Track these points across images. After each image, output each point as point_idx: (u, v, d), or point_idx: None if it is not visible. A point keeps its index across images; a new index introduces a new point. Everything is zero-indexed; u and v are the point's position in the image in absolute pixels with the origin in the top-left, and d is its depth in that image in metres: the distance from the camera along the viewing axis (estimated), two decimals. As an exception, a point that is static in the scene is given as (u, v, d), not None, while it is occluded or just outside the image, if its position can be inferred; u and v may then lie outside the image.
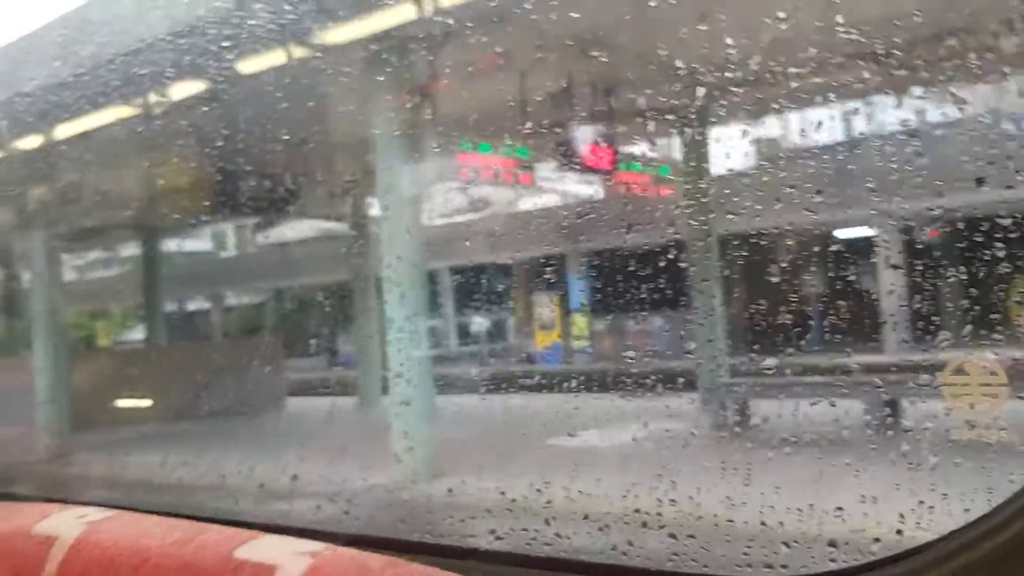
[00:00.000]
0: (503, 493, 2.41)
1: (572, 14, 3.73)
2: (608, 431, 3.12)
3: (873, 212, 2.79)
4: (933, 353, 2.06)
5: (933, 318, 2.18)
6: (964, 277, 2.04)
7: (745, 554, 1.68)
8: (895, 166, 2.31)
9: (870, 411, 2.56)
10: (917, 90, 2.61)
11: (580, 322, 6.35)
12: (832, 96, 2.72)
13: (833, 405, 2.14)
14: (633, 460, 2.68)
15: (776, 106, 3.17)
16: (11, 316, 13.30)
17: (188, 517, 1.65)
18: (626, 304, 3.48)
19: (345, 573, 1.21)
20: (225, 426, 6.76)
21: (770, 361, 2.40)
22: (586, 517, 2.16)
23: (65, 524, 1.63)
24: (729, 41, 2.49)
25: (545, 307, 7.21)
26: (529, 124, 5.63)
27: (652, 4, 2.60)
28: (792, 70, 2.69)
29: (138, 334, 14.50)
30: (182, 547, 1.37)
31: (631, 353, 3.21)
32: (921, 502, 1.66)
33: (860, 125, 2.96)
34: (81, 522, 1.61)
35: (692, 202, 3.61)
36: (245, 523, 1.55)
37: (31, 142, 8.13)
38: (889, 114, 2.56)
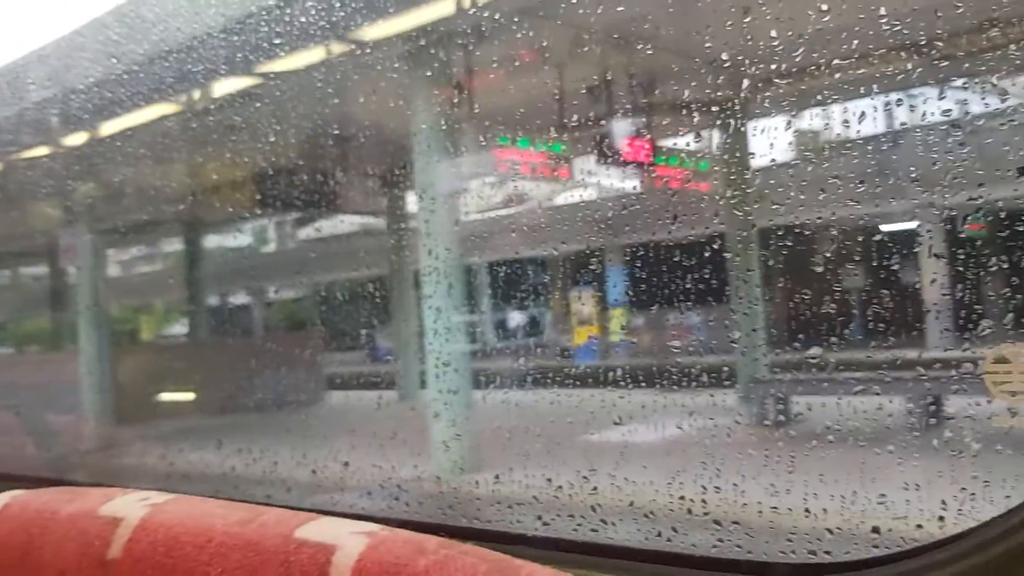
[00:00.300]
0: (549, 480, 2.45)
1: (613, 7, 3.74)
2: (650, 423, 3.14)
3: (915, 203, 2.79)
4: (975, 343, 2.06)
5: (975, 307, 2.18)
6: (1006, 267, 2.04)
7: (789, 540, 1.70)
8: (937, 157, 2.31)
9: (912, 401, 2.56)
10: (959, 80, 2.60)
11: (619, 316, 6.35)
12: (875, 87, 2.71)
13: (876, 395, 2.15)
14: (677, 450, 2.70)
15: (818, 97, 3.16)
16: (59, 311, 13.57)
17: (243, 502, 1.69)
18: (666, 298, 3.48)
19: (401, 551, 1.25)
20: (267, 419, 6.87)
21: (812, 352, 2.41)
22: (631, 504, 2.19)
23: (129, 506, 1.67)
24: (772, 33, 2.50)
25: (583, 301, 7.22)
26: (568, 118, 5.65)
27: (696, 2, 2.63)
28: (835, 61, 2.69)
29: (181, 328, 14.74)
30: (244, 526, 1.41)
31: (671, 347, 3.23)
32: (963, 489, 1.67)
33: (902, 116, 2.94)
34: (144, 504, 1.66)
35: (733, 195, 3.61)
36: (300, 508, 1.60)
37: (79, 138, 8.30)
38: (931, 105, 2.55)
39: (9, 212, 10.36)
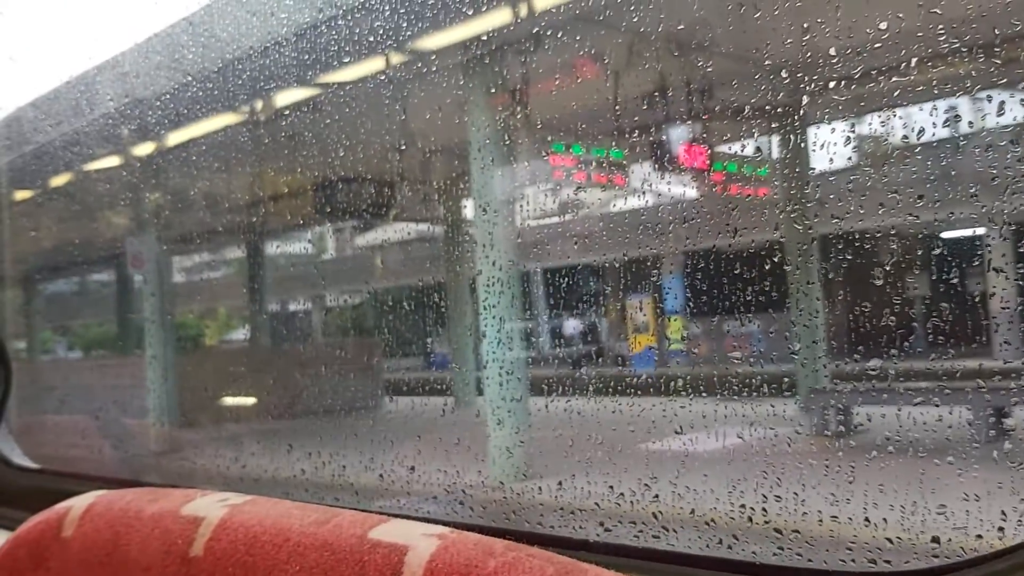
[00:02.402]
0: (611, 488, 2.48)
1: (671, 14, 3.77)
2: (710, 432, 3.16)
3: (978, 212, 2.76)
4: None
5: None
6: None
7: (849, 549, 1.71)
8: (1001, 165, 2.29)
9: (973, 412, 2.53)
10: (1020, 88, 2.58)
11: (676, 324, 6.34)
12: (937, 93, 2.70)
13: (937, 406, 2.15)
14: (737, 460, 2.71)
15: (879, 105, 3.14)
16: (126, 317, 13.93)
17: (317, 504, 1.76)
18: (724, 306, 3.49)
19: (471, 553, 1.30)
20: (325, 424, 6.98)
21: (873, 363, 2.40)
22: (692, 512, 2.21)
23: (209, 506, 1.75)
24: (834, 38, 2.51)
25: (640, 309, 7.21)
26: (624, 125, 5.67)
27: (756, 15, 2.64)
28: (896, 67, 2.68)
29: (242, 334, 15.00)
30: (320, 527, 1.48)
31: (730, 356, 3.23)
32: (1023, 500, 1.67)
33: (965, 123, 2.91)
34: (223, 505, 1.74)
35: (792, 203, 3.61)
36: (372, 511, 1.66)
37: (145, 149, 8.52)
38: (995, 111, 2.53)
39: (80, 221, 10.69)
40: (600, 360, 7.12)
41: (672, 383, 3.20)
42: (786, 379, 3.14)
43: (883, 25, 2.14)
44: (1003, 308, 2.33)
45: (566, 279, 6.08)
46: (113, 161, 8.68)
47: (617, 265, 6.04)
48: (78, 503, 1.96)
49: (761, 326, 3.57)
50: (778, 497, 2.03)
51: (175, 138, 8.24)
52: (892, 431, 2.22)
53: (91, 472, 3.40)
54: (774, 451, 2.60)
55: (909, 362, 2.61)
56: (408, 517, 1.61)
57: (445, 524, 1.48)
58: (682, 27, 3.57)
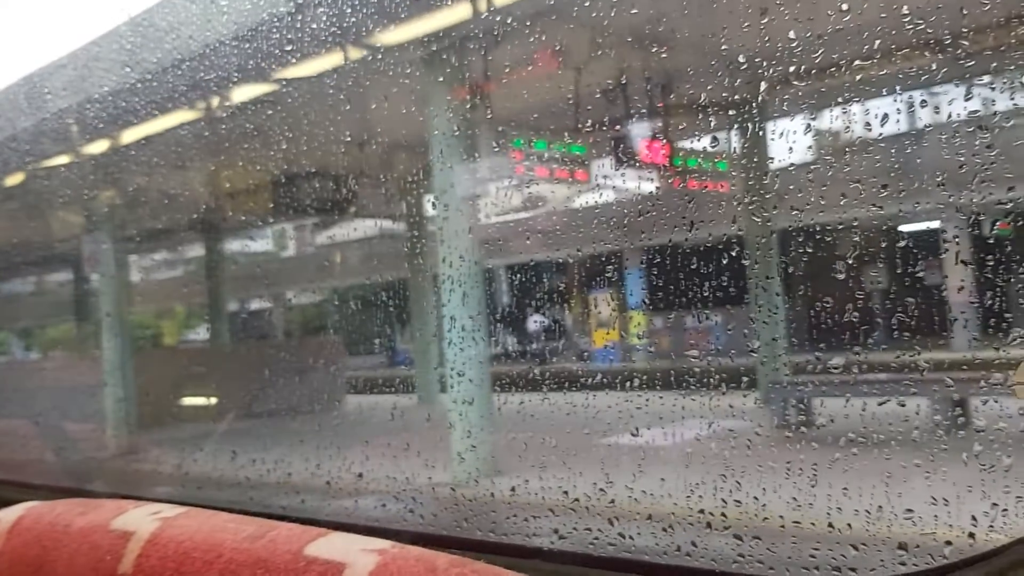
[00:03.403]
0: (566, 493, 2.42)
1: (627, 9, 3.71)
2: (669, 429, 3.11)
3: (940, 205, 2.73)
4: (1005, 351, 2.00)
5: (1005, 315, 2.13)
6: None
7: (812, 556, 1.66)
8: (963, 158, 2.26)
9: (940, 411, 2.50)
10: (985, 79, 2.55)
11: (638, 319, 6.31)
12: (897, 86, 2.66)
13: (902, 405, 2.10)
14: (696, 459, 2.66)
15: (839, 98, 3.11)
16: (82, 317, 13.70)
17: (257, 515, 1.68)
18: (685, 301, 3.45)
19: (412, 570, 1.23)
20: (287, 424, 6.88)
21: (835, 360, 2.36)
22: (650, 517, 2.16)
23: (140, 520, 1.67)
24: (791, 35, 2.47)
25: (602, 304, 7.18)
26: (585, 120, 5.62)
27: (712, 4, 2.59)
28: (856, 61, 2.64)
29: (202, 333, 14.82)
30: (254, 543, 1.40)
31: (691, 351, 3.19)
32: (994, 504, 1.62)
33: (926, 116, 2.89)
34: (155, 518, 1.66)
35: (751, 196, 3.57)
36: (313, 521, 1.58)
37: (99, 147, 8.36)
38: (956, 104, 2.50)
39: (32, 221, 10.46)
40: (561, 356, 7.08)
41: (632, 379, 3.15)
42: (746, 374, 3.10)
43: (844, 6, 2.09)
44: (971, 302, 2.30)
45: (528, 275, 6.04)
46: (65, 159, 8.51)
47: (578, 261, 6.01)
48: (6, 515, 1.86)
49: (721, 321, 3.53)
50: (738, 502, 1.97)
51: (129, 136, 8.09)
52: (855, 430, 2.18)
53: (29, 480, 3.28)
54: (734, 452, 2.55)
55: (871, 355, 2.58)
56: (350, 527, 1.53)
57: (389, 535, 1.40)
58: (637, 13, 3.53)
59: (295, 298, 15.45)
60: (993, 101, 2.42)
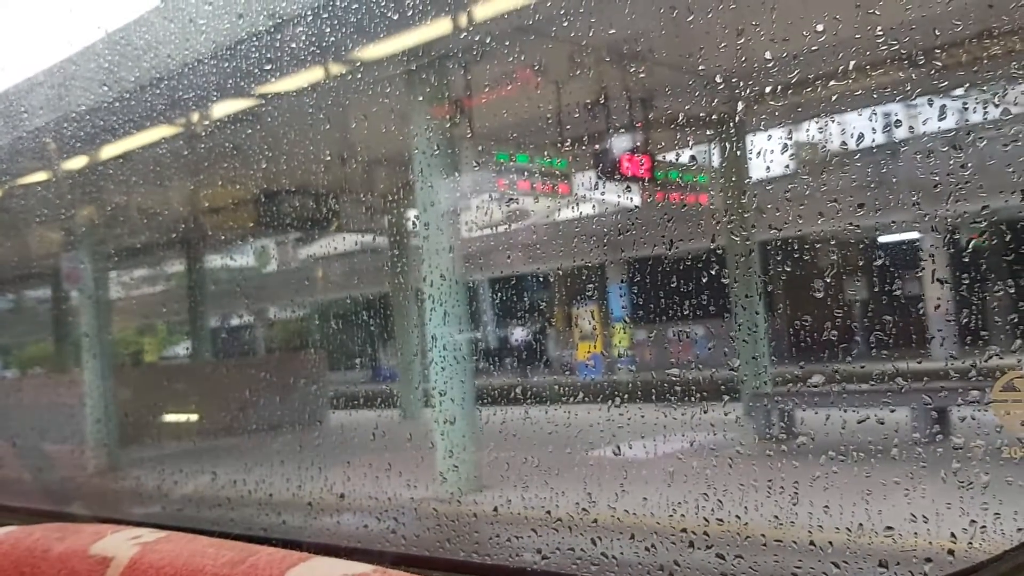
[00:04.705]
0: (548, 512, 2.41)
1: (604, 23, 3.74)
2: (651, 444, 3.11)
3: (917, 220, 2.76)
4: (981, 367, 2.01)
5: (981, 332, 2.14)
6: (1011, 288, 2.00)
7: (794, 573, 1.65)
8: (943, 172, 2.28)
9: (918, 428, 2.51)
10: (958, 93, 2.58)
11: (621, 333, 6.32)
12: (873, 101, 2.69)
13: (881, 423, 2.11)
14: (678, 475, 2.66)
15: (816, 113, 3.14)
16: (62, 334, 13.57)
17: (237, 537, 1.66)
18: (667, 315, 3.45)
19: (394, 596, 1.22)
20: (269, 441, 6.82)
21: (815, 374, 2.37)
22: (632, 536, 2.15)
23: (119, 545, 1.65)
24: (767, 54, 2.49)
25: (585, 318, 7.19)
26: (566, 135, 5.64)
27: (689, 19, 2.61)
28: (834, 73, 2.67)
29: (183, 350, 14.71)
30: (234, 568, 1.39)
31: (673, 364, 3.19)
32: (973, 521, 1.63)
33: (901, 131, 2.91)
34: (135, 543, 1.64)
35: (730, 212, 3.59)
36: (294, 542, 1.57)
37: (78, 163, 8.31)
38: (930, 119, 2.52)
39: (10, 238, 10.37)
40: (546, 369, 7.08)
41: (615, 392, 3.15)
42: (727, 388, 3.11)
43: (820, 27, 2.11)
44: (947, 320, 2.31)
45: (512, 289, 6.04)
46: (44, 176, 8.44)
47: (561, 274, 6.02)
48: (-17, 541, 1.83)
49: (705, 334, 3.54)
50: (720, 520, 1.97)
51: (108, 152, 8.04)
52: (835, 446, 2.18)
53: (7, 503, 3.24)
54: (715, 467, 2.55)
55: (851, 368, 2.59)
56: (334, 551, 1.52)
57: (372, 558, 1.39)
58: (615, 33, 3.55)
59: (277, 314, 15.38)
60: (966, 115, 2.45)
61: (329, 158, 6.60)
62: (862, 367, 2.55)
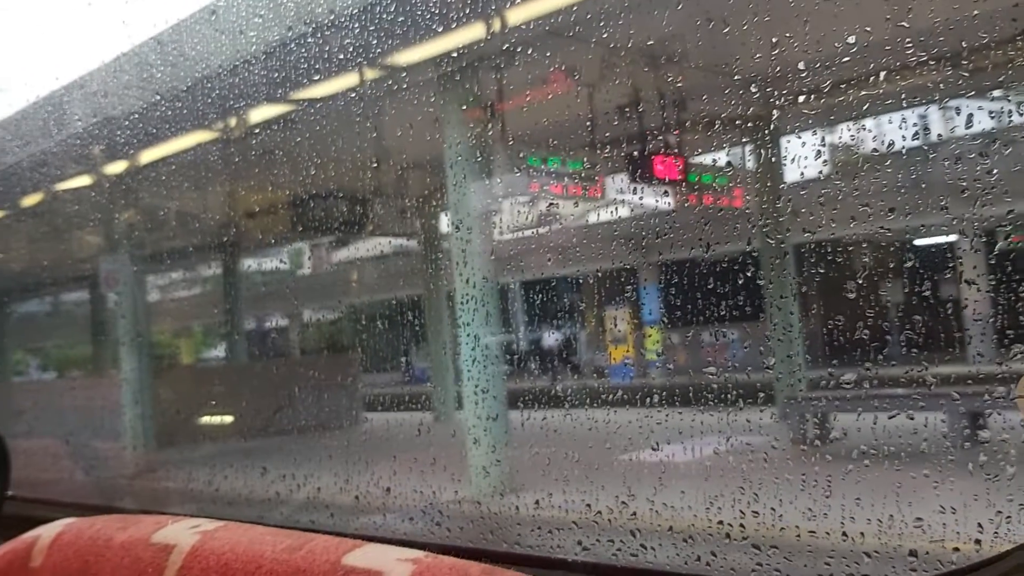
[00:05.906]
0: (588, 506, 2.46)
1: (641, 30, 3.78)
2: (688, 445, 3.15)
3: (951, 220, 2.77)
4: (1010, 365, 2.04)
5: (1008, 331, 2.17)
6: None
7: (827, 565, 1.70)
8: (970, 176, 2.30)
9: (947, 423, 2.54)
10: (996, 93, 2.60)
11: (654, 336, 6.35)
12: (906, 104, 2.71)
13: (911, 418, 2.15)
14: (715, 473, 2.70)
15: (849, 116, 3.16)
16: (101, 337, 13.79)
17: (291, 528, 1.72)
18: (701, 317, 3.49)
19: (445, 576, 1.28)
20: (305, 441, 6.91)
21: (848, 375, 2.40)
22: (670, 529, 2.20)
23: (180, 533, 1.71)
24: (803, 52, 2.52)
25: (618, 321, 7.22)
26: (599, 137, 5.68)
27: (724, 29, 2.65)
28: (865, 80, 2.70)
29: (220, 352, 14.89)
30: (293, 554, 1.45)
31: (707, 367, 3.23)
32: (999, 512, 1.67)
33: (937, 131, 2.93)
34: (195, 531, 1.70)
35: (765, 215, 3.62)
36: (346, 533, 1.63)
37: (117, 168, 8.45)
38: (963, 122, 2.54)
39: (52, 241, 10.58)
40: (578, 373, 7.12)
41: (648, 395, 3.19)
42: (762, 390, 3.14)
43: (851, 39, 2.15)
44: (975, 319, 2.34)
45: (544, 292, 6.08)
46: (84, 180, 8.60)
47: (594, 278, 6.05)
48: (47, 532, 1.91)
49: (739, 337, 3.58)
50: (755, 513, 2.02)
51: (147, 156, 8.17)
52: (867, 443, 2.22)
53: (62, 498, 3.34)
54: (751, 465, 2.59)
55: (884, 370, 2.62)
56: (384, 540, 1.58)
57: (421, 547, 1.46)
58: (652, 42, 3.60)
59: (312, 315, 15.51)
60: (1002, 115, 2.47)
61: (364, 162, 6.69)
62: (894, 368, 2.58)
